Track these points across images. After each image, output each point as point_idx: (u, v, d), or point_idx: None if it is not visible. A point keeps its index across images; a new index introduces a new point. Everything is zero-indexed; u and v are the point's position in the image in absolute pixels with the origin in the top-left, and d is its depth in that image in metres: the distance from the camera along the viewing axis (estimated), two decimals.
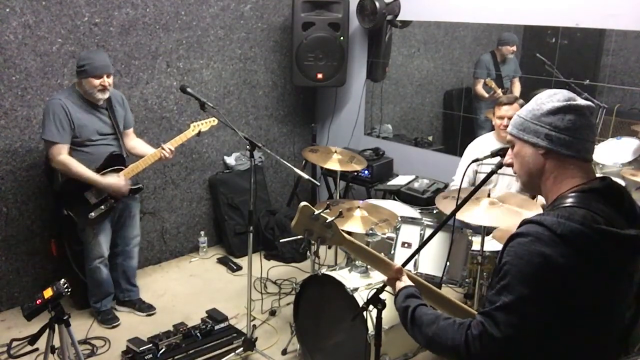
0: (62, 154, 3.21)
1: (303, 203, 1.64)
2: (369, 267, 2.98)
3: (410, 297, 1.58)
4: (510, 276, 1.26)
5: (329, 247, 4.46)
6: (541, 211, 2.82)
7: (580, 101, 1.38)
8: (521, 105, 3.35)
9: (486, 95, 4.26)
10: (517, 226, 1.35)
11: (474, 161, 1.85)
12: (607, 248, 1.26)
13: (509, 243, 1.31)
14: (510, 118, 3.32)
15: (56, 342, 2.41)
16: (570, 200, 1.32)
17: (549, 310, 1.24)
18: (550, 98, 1.39)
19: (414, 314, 1.49)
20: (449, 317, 1.42)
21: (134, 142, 3.58)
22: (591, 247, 1.24)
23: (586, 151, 1.38)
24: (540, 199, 3.41)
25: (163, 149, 3.39)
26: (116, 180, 3.31)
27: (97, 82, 3.20)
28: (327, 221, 1.63)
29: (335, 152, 3.64)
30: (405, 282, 1.68)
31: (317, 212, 1.62)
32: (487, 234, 3.03)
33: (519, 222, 1.35)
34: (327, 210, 1.68)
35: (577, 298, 1.25)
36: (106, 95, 3.28)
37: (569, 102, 1.36)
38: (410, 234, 3.09)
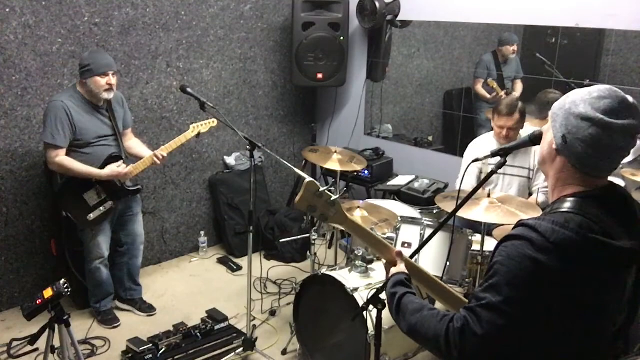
0: (59, 156, 3.20)
1: (308, 179, 1.65)
2: (368, 267, 2.98)
3: (398, 285, 1.58)
4: (499, 276, 1.26)
5: (331, 244, 4.45)
6: (539, 213, 2.82)
7: (619, 120, 1.24)
8: (521, 113, 3.34)
9: (488, 95, 4.26)
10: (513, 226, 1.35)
11: (474, 161, 1.85)
12: (599, 258, 1.24)
13: (502, 243, 1.31)
14: (510, 129, 3.33)
15: (56, 342, 2.42)
16: (567, 205, 1.30)
17: (534, 314, 1.24)
18: (592, 101, 1.27)
19: (401, 302, 1.50)
20: (434, 308, 1.42)
21: (131, 143, 3.57)
22: (583, 256, 1.23)
23: (596, 169, 1.31)
24: (541, 198, 3.42)
25: (155, 155, 3.38)
26: (114, 167, 3.30)
27: (103, 81, 3.18)
28: (331, 199, 1.64)
29: (335, 152, 3.64)
30: (399, 268, 1.66)
31: (321, 189, 1.64)
32: (488, 234, 3.03)
33: (516, 223, 1.34)
34: (332, 189, 1.70)
35: (564, 304, 1.25)
36: (111, 95, 3.27)
37: (602, 117, 1.25)
38: (410, 234, 3.09)
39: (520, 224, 1.31)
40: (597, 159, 1.29)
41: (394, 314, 1.52)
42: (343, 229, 1.74)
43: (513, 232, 1.30)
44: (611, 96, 1.27)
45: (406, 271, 1.66)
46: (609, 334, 1.34)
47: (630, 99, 1.29)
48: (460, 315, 1.30)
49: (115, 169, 3.30)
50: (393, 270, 1.67)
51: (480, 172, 3.53)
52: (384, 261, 1.76)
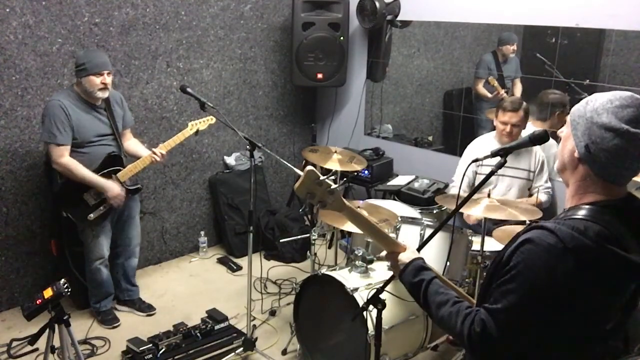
0: (65, 156, 3.19)
1: (309, 167, 1.66)
2: (368, 267, 2.98)
3: (421, 270, 1.59)
4: (517, 283, 1.28)
5: (331, 244, 4.46)
6: (539, 214, 2.82)
7: None
8: (525, 112, 3.33)
9: (489, 95, 4.26)
10: (523, 228, 1.35)
11: (473, 161, 1.85)
12: (611, 268, 1.28)
13: (519, 246, 1.30)
14: (514, 125, 3.32)
15: (56, 342, 2.42)
16: (584, 212, 1.31)
17: (549, 317, 1.29)
18: (615, 110, 1.27)
19: (427, 292, 1.52)
20: (458, 301, 1.44)
21: (129, 143, 3.57)
22: (596, 264, 1.26)
23: (621, 178, 1.32)
24: (543, 198, 3.42)
25: (154, 153, 3.38)
26: (115, 186, 3.31)
27: (97, 80, 3.18)
28: (331, 187, 1.65)
29: (335, 152, 3.64)
30: (414, 252, 1.67)
31: (322, 177, 1.64)
32: (487, 234, 3.03)
33: (529, 225, 1.35)
34: (332, 177, 1.70)
35: (570, 304, 1.29)
36: (106, 95, 3.27)
37: (626, 127, 1.25)
38: (410, 234, 3.09)
39: (538, 226, 1.32)
40: (621, 168, 1.30)
41: (422, 304, 1.55)
42: (343, 215, 1.74)
43: (531, 236, 1.30)
44: (634, 104, 1.27)
45: (419, 255, 1.67)
46: (601, 335, 1.36)
47: None
48: (480, 319, 1.34)
49: (114, 187, 3.29)
50: (404, 255, 1.67)
51: (475, 175, 3.53)
52: (385, 253, 1.76)
